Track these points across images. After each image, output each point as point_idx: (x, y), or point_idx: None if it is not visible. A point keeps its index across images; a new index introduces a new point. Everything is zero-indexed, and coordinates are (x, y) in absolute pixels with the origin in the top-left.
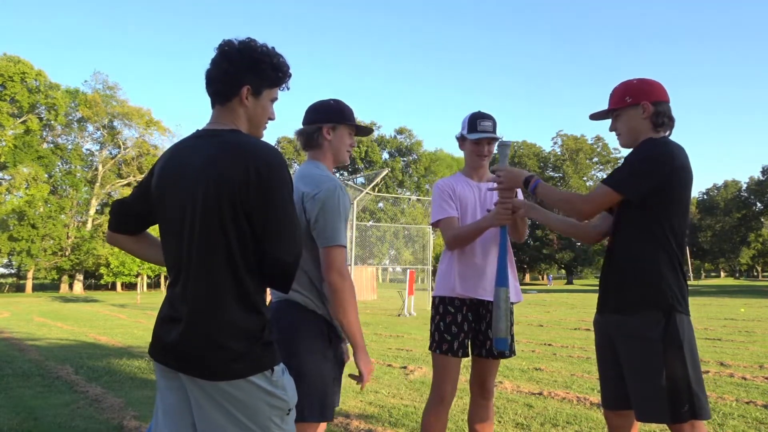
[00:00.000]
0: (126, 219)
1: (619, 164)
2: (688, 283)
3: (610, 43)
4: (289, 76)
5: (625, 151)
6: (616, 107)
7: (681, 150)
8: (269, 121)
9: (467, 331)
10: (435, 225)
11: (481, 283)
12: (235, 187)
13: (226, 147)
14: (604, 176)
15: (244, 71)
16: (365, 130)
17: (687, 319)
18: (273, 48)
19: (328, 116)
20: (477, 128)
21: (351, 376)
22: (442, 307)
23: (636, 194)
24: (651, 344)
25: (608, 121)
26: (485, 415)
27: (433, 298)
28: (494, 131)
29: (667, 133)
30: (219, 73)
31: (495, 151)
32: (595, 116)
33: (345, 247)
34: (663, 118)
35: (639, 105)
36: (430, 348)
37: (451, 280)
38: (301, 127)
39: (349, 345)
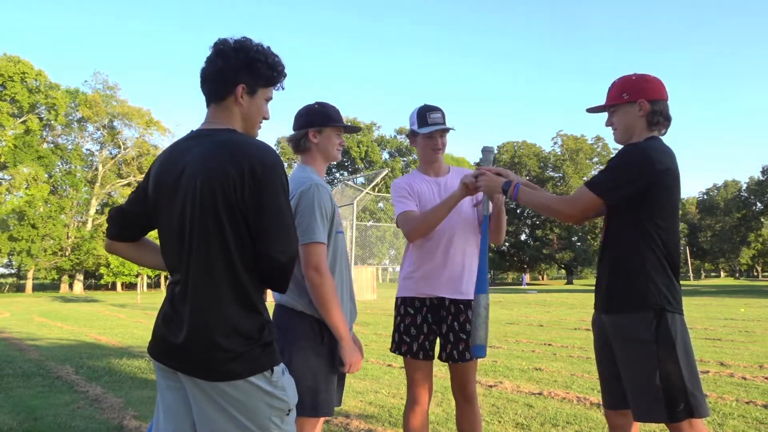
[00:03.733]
0: (125, 226)
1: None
2: (689, 282)
3: (611, 43)
4: (284, 75)
5: None
6: (613, 103)
7: (665, 153)
8: (264, 121)
9: (427, 333)
10: (398, 223)
11: (441, 281)
12: (230, 186)
13: (221, 146)
14: None
15: (239, 70)
16: (352, 129)
17: (680, 318)
18: (268, 47)
19: (312, 120)
20: (428, 121)
21: (339, 367)
22: (403, 308)
23: (616, 201)
24: (644, 345)
25: (606, 118)
26: (472, 419)
27: (396, 299)
28: (444, 122)
29: (662, 132)
30: (214, 71)
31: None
32: (592, 110)
33: (323, 243)
34: (659, 117)
35: (636, 103)
36: (390, 349)
37: (412, 280)
38: (291, 133)
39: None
